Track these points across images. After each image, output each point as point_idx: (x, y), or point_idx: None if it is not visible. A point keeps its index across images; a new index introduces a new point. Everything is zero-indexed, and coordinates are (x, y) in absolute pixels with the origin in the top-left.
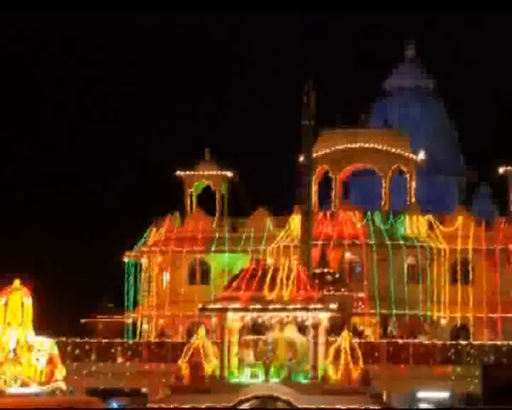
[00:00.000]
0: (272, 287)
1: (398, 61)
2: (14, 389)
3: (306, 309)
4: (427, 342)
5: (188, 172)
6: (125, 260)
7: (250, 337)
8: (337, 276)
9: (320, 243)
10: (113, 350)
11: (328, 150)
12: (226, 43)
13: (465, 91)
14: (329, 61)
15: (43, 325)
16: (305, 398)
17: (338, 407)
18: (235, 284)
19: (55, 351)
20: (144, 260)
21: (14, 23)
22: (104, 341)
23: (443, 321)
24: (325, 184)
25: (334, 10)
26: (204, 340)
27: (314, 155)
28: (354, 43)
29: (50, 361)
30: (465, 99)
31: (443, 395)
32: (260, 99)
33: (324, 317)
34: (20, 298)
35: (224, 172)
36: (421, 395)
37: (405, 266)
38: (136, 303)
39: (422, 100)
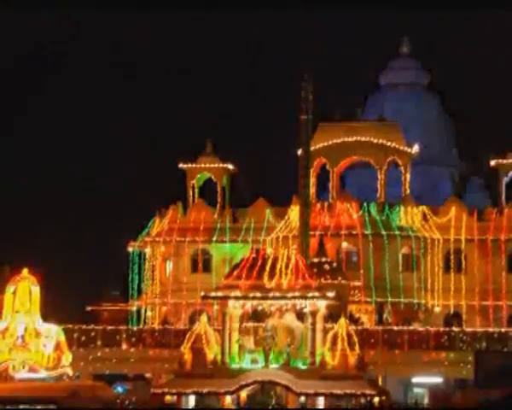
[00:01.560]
0: (272, 276)
1: (393, 57)
2: (23, 374)
3: (305, 297)
4: (421, 328)
5: (190, 165)
6: (130, 249)
7: (250, 324)
8: (334, 265)
9: (318, 233)
10: (117, 337)
11: (325, 143)
12: (227, 38)
13: (459, 86)
14: (327, 57)
15: (50, 312)
16: (303, 383)
17: (335, 391)
18: (235, 273)
19: (62, 337)
20: (148, 250)
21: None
22: (109, 328)
23: (436, 309)
24: (323, 176)
25: (332, 9)
26: (206, 327)
27: (312, 148)
28: (350, 39)
29: (57, 347)
30: (459, 93)
31: (436, 380)
32: (260, 94)
33: (322, 304)
34: (28, 286)
35: (225, 165)
36: (415, 380)
37: (400, 256)
38: (140, 291)
39: (417, 94)
